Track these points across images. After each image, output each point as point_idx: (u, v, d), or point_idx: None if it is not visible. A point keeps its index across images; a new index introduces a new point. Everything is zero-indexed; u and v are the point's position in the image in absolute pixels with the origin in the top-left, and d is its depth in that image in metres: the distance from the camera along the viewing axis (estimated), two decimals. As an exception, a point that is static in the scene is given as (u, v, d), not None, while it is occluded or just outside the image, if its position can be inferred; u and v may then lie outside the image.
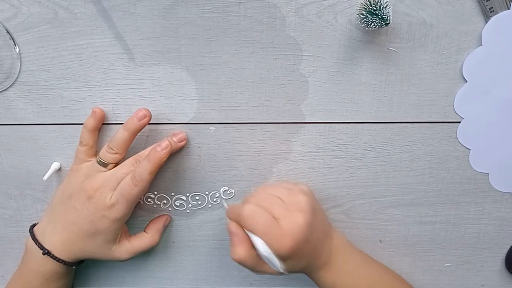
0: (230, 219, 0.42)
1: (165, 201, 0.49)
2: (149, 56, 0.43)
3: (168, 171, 0.47)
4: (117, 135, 0.43)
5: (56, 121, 0.46)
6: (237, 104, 0.45)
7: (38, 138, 0.47)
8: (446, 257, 0.51)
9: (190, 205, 0.49)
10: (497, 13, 0.40)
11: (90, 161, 0.44)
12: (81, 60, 0.43)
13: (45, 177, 0.46)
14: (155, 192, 0.48)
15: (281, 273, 0.41)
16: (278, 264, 0.39)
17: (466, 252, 0.51)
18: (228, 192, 0.48)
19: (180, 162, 0.47)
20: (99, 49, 0.43)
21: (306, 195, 0.41)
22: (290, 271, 0.41)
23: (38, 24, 0.42)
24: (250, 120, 0.45)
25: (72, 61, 0.43)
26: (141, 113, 0.43)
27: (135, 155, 0.44)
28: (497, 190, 0.47)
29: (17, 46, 0.43)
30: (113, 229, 0.43)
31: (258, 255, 0.40)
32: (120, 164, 0.44)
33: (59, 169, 0.48)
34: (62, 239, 0.44)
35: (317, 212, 0.42)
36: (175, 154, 0.46)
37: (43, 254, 0.44)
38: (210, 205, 0.49)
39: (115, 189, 0.42)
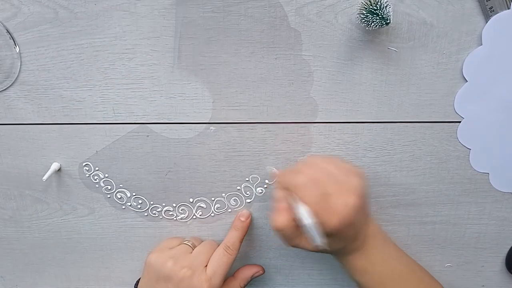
0: (279, 183, 0.42)
1: (155, 211, 0.49)
2: (149, 56, 0.43)
3: (167, 173, 0.47)
4: None
5: (56, 121, 0.46)
6: (238, 104, 0.45)
7: (38, 138, 0.47)
8: (446, 257, 0.51)
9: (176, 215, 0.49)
10: (497, 12, 0.41)
11: None
12: (81, 60, 0.43)
13: (45, 177, 0.46)
14: (151, 200, 0.49)
15: (315, 249, 0.40)
16: (318, 238, 0.39)
17: (466, 252, 0.51)
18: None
19: (180, 163, 0.47)
20: (99, 48, 0.43)
21: (361, 178, 0.41)
22: (326, 248, 0.40)
23: (38, 24, 0.42)
24: (250, 120, 0.45)
25: (72, 61, 0.43)
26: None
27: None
28: (497, 190, 0.47)
29: (17, 46, 0.43)
30: None
31: (297, 226, 0.40)
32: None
33: (59, 170, 0.48)
34: None
35: (366, 197, 0.41)
36: (172, 156, 0.46)
37: None
38: (213, 214, 0.49)
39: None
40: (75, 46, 0.43)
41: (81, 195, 0.49)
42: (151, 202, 0.49)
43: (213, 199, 0.49)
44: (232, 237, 0.46)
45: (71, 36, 0.42)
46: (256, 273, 0.50)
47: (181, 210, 0.49)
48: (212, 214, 0.49)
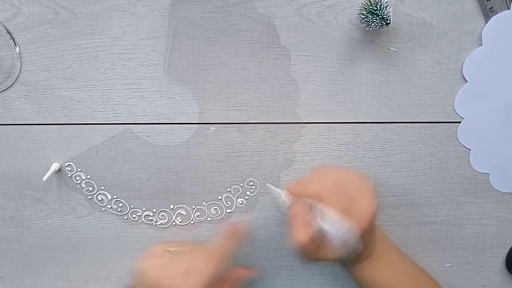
0: (296, 195, 0.41)
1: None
2: (149, 56, 0.43)
3: (167, 173, 0.47)
4: None
5: (56, 121, 0.46)
6: (238, 104, 0.45)
7: (38, 138, 0.46)
8: (446, 257, 0.51)
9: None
10: (497, 13, 0.41)
11: None
12: (81, 60, 0.43)
13: (45, 178, 0.46)
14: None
15: (336, 261, 0.40)
16: (350, 241, 0.38)
17: (466, 253, 0.51)
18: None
19: (180, 164, 0.47)
20: (99, 49, 0.43)
21: (370, 183, 0.41)
22: (358, 248, 0.40)
23: (38, 24, 0.42)
24: (250, 120, 0.45)
25: (72, 61, 0.43)
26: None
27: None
28: (497, 190, 0.47)
29: (17, 46, 0.43)
30: None
31: (318, 239, 0.39)
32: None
33: (59, 170, 0.48)
34: None
35: None
36: (172, 156, 0.46)
37: None
38: (192, 222, 0.49)
39: None
40: (75, 47, 0.43)
41: (81, 195, 0.49)
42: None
43: (193, 207, 0.49)
44: (220, 245, 0.45)
45: (71, 37, 0.42)
46: (249, 276, 0.49)
47: (161, 216, 0.49)
48: (192, 222, 0.49)
